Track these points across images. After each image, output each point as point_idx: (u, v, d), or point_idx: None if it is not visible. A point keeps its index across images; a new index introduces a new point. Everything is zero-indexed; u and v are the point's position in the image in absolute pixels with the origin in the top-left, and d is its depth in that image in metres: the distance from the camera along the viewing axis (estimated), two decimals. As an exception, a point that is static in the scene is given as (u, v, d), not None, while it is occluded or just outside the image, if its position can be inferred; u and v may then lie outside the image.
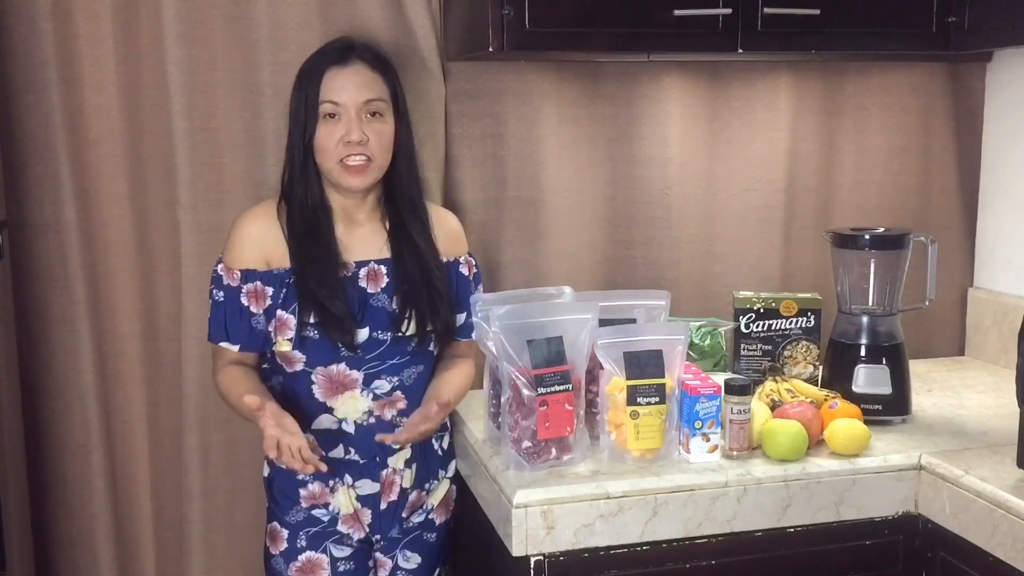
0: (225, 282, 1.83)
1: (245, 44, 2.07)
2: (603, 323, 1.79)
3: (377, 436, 1.82)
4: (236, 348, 1.84)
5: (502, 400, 1.74)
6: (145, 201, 2.11)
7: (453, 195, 2.24)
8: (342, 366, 1.84)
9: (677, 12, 1.93)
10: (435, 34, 2.13)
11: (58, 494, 2.13)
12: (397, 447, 1.88)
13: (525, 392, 1.70)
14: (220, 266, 1.85)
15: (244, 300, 1.83)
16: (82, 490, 2.13)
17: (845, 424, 1.79)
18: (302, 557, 1.90)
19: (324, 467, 1.75)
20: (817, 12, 1.99)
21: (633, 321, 1.86)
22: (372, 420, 1.87)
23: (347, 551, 1.92)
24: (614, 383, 1.75)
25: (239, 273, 1.83)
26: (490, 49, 1.88)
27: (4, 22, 1.97)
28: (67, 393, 2.10)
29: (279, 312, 1.82)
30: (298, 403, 1.85)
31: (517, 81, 2.23)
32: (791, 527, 1.75)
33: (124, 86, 2.06)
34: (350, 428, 1.86)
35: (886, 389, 1.96)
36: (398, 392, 1.88)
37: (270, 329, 1.83)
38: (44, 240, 2.05)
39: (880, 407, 1.95)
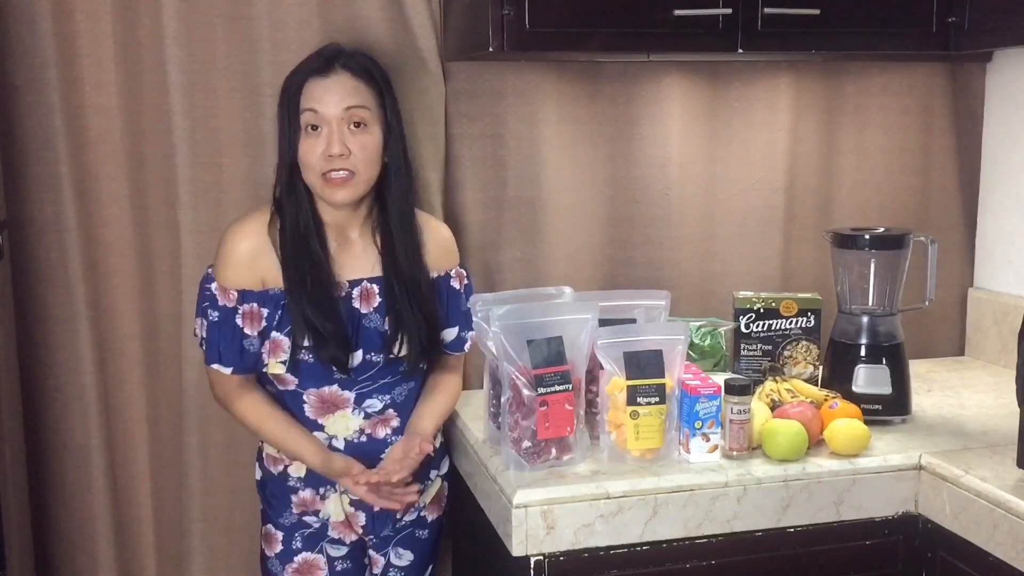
0: (220, 302, 1.79)
1: (245, 44, 2.07)
2: (603, 323, 1.79)
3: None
4: (228, 371, 1.80)
5: (502, 400, 1.74)
6: (145, 201, 2.11)
7: (453, 195, 2.24)
8: (334, 387, 1.83)
9: (677, 12, 1.93)
10: (435, 34, 2.13)
11: (58, 494, 2.13)
12: (386, 456, 1.88)
13: (525, 392, 1.70)
14: (214, 284, 1.80)
15: (239, 321, 1.79)
16: (82, 490, 2.13)
17: (845, 424, 1.79)
18: (298, 558, 1.90)
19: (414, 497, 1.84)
20: (817, 12, 1.98)
21: (633, 321, 1.86)
22: (364, 439, 1.86)
23: (343, 550, 1.92)
24: (614, 383, 1.75)
25: (235, 294, 1.78)
26: (490, 49, 1.88)
27: (4, 22, 1.97)
28: (67, 393, 2.10)
29: (273, 334, 1.79)
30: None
31: (517, 81, 2.23)
32: (791, 527, 1.75)
33: (124, 86, 2.06)
34: (340, 444, 1.86)
35: (886, 389, 1.96)
36: (390, 410, 1.87)
37: (263, 352, 1.80)
38: (44, 240, 2.05)
39: (880, 407, 1.95)
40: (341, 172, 1.76)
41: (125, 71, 2.05)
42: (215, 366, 1.81)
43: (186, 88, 2.04)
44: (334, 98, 1.76)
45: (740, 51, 1.98)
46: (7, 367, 1.92)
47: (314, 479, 1.87)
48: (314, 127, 1.76)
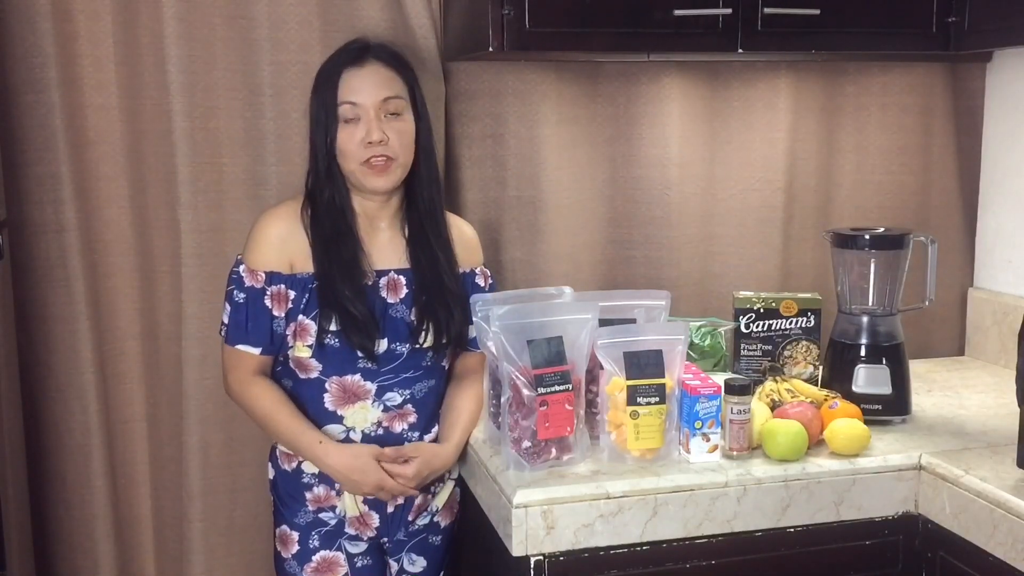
0: (248, 284, 1.80)
1: (245, 44, 2.07)
2: (603, 323, 1.79)
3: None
4: (257, 351, 1.81)
5: (502, 400, 1.74)
6: (145, 201, 2.11)
7: (453, 195, 2.24)
8: (356, 377, 1.83)
9: (677, 12, 1.93)
10: (435, 34, 2.13)
11: (58, 494, 2.13)
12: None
13: (525, 392, 1.70)
14: (242, 267, 1.82)
15: (267, 302, 1.80)
16: (82, 490, 2.13)
17: (845, 424, 1.79)
18: (316, 557, 1.88)
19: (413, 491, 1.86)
20: (817, 12, 1.99)
21: (633, 321, 1.86)
22: (381, 431, 1.86)
23: (362, 546, 1.91)
24: (614, 383, 1.75)
25: (263, 275, 1.80)
26: (490, 49, 1.88)
27: (4, 22, 1.97)
28: (67, 393, 2.10)
29: (300, 317, 1.80)
30: (306, 410, 1.85)
31: (517, 81, 2.23)
32: (791, 527, 1.75)
33: (124, 86, 2.06)
34: (357, 437, 1.85)
35: (886, 389, 1.96)
36: (409, 405, 1.87)
37: (288, 333, 1.81)
38: (44, 240, 2.05)
39: (880, 407, 1.95)
40: (381, 158, 1.78)
41: (125, 71, 2.05)
42: (241, 347, 1.81)
43: (186, 88, 2.04)
44: (370, 88, 1.79)
45: (740, 51, 1.98)
46: (7, 367, 1.92)
47: (327, 475, 1.86)
48: (351, 117, 1.79)
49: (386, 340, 1.83)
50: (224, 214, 2.10)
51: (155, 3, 2.01)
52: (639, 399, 1.72)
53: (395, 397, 1.85)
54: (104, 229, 2.10)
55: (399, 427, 1.87)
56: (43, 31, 1.97)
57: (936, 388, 2.24)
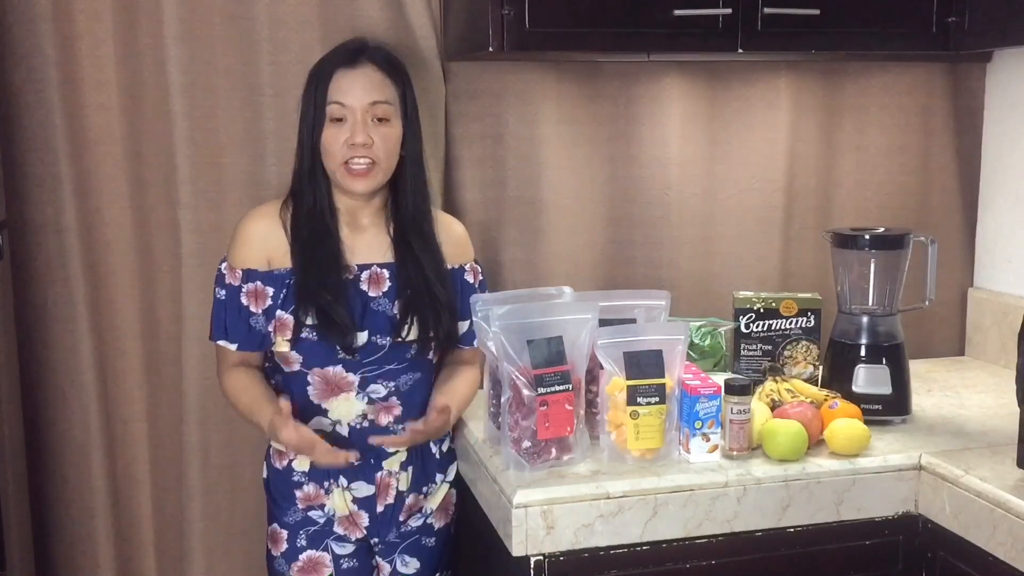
0: (227, 281, 1.84)
1: (245, 44, 2.08)
2: (603, 323, 1.79)
3: (371, 439, 1.82)
4: (234, 347, 1.84)
5: (502, 400, 1.74)
6: (145, 201, 2.11)
7: (453, 195, 2.24)
8: (338, 368, 1.84)
9: (677, 12, 1.93)
10: (435, 34, 2.13)
11: (58, 494, 2.13)
12: (391, 451, 1.88)
13: (525, 392, 1.70)
14: (224, 264, 1.85)
15: (243, 299, 1.83)
16: (82, 490, 2.13)
17: (845, 424, 1.79)
18: (303, 556, 1.89)
19: (353, 456, 1.79)
20: (817, 12, 1.99)
21: (633, 321, 1.86)
22: (367, 424, 1.86)
23: (349, 548, 1.92)
24: (614, 383, 1.75)
25: (241, 272, 1.83)
26: (490, 49, 1.88)
27: (4, 22, 1.97)
28: (67, 393, 2.10)
29: (278, 312, 1.82)
30: (294, 404, 1.85)
31: (517, 81, 2.23)
32: (791, 527, 1.75)
33: (124, 86, 2.06)
34: (344, 430, 1.86)
35: (886, 389, 1.96)
36: (393, 398, 1.87)
37: (270, 329, 1.83)
38: (44, 240, 2.05)
39: (880, 407, 1.95)
40: (362, 162, 1.79)
41: (125, 71, 2.05)
42: (221, 342, 1.85)
43: (186, 88, 2.04)
44: (360, 91, 1.80)
45: (740, 51, 1.98)
46: (7, 367, 1.92)
47: (317, 473, 1.87)
48: (339, 118, 1.80)
49: (366, 333, 1.83)
50: (224, 214, 2.10)
51: (155, 3, 2.02)
52: (639, 399, 1.72)
53: (379, 389, 1.86)
54: (104, 229, 2.10)
55: (385, 420, 1.87)
56: (43, 32, 1.97)
57: (936, 388, 2.24)
